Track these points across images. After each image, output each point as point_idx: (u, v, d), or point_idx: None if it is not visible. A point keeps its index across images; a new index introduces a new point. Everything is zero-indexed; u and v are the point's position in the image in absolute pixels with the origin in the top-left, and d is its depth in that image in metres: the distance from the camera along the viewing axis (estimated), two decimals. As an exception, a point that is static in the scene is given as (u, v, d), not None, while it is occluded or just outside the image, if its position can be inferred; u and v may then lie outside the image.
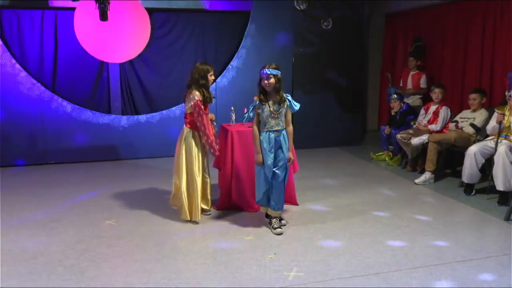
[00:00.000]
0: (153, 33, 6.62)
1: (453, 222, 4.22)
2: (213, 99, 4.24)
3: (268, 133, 3.87)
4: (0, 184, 5.40)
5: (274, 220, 3.99)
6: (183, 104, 6.79)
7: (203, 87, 4.08)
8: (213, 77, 4.21)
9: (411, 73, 7.05)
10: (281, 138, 3.89)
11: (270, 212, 4.01)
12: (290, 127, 3.94)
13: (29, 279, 3.13)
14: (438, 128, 5.75)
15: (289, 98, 3.88)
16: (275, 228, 3.93)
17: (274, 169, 3.89)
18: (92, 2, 5.44)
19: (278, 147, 3.89)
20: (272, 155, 3.87)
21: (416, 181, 5.45)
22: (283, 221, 4.10)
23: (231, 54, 7.05)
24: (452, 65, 6.77)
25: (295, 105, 3.89)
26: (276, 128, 3.86)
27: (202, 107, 3.99)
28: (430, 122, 5.90)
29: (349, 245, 3.69)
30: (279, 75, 3.79)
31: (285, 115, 3.89)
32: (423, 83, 6.92)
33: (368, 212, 4.45)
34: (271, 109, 3.82)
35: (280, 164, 3.89)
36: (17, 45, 6.33)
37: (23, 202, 4.80)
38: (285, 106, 3.86)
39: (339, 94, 7.57)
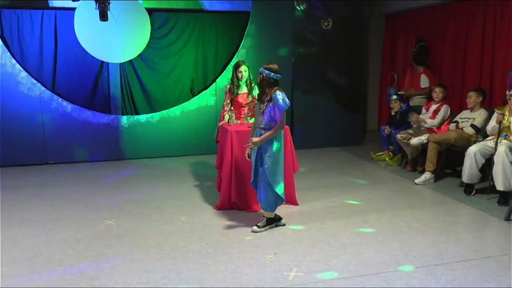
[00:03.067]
0: (153, 33, 6.63)
1: (453, 222, 4.22)
2: (239, 91, 4.85)
3: (256, 130, 3.92)
4: (0, 184, 5.40)
5: (262, 218, 4.02)
6: (183, 104, 6.87)
7: (231, 81, 4.86)
8: (241, 73, 4.78)
9: (415, 71, 7.00)
10: None
11: (263, 211, 4.03)
12: (277, 124, 3.78)
13: (29, 279, 3.13)
14: (435, 123, 5.73)
15: (278, 96, 3.73)
16: (256, 226, 3.96)
17: (260, 168, 3.90)
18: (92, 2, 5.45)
19: (261, 145, 3.85)
20: (255, 152, 3.89)
21: (416, 181, 5.44)
22: (282, 221, 4.10)
23: (231, 54, 7.05)
24: (452, 65, 6.76)
25: (280, 102, 3.71)
26: (262, 126, 3.85)
27: (227, 96, 4.86)
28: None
29: (349, 245, 3.68)
30: (264, 73, 3.78)
31: (273, 113, 3.79)
32: (422, 82, 6.83)
33: (368, 212, 4.45)
34: (259, 107, 3.88)
35: (263, 163, 3.85)
36: (17, 45, 6.32)
37: (23, 202, 4.80)
38: (271, 104, 3.79)
39: (339, 94, 7.56)
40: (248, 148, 3.93)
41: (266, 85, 3.82)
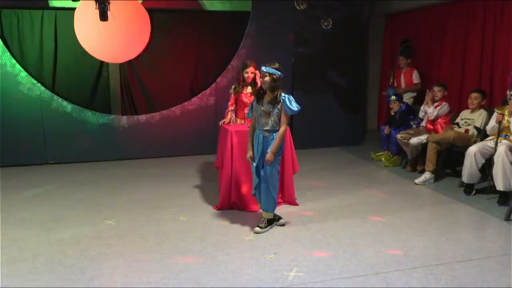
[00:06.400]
0: (153, 33, 6.62)
1: (453, 222, 4.22)
2: (244, 90, 4.79)
3: (258, 132, 3.86)
4: (0, 184, 5.40)
5: (262, 219, 4.01)
6: (183, 103, 6.87)
7: (237, 80, 4.82)
8: (247, 74, 4.68)
9: (403, 71, 7.10)
10: (269, 139, 3.80)
11: (262, 211, 4.03)
12: (282, 129, 3.78)
13: (29, 279, 3.13)
14: (431, 111, 5.74)
15: (287, 99, 3.74)
16: (258, 227, 3.95)
17: (261, 170, 3.87)
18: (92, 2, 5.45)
19: (265, 147, 3.82)
20: (258, 154, 3.85)
21: (416, 181, 5.44)
22: (282, 220, 4.11)
23: (231, 54, 7.05)
24: (452, 65, 6.77)
25: (292, 106, 3.74)
26: (266, 128, 3.80)
27: (232, 96, 4.81)
28: (428, 119, 5.91)
29: (349, 245, 3.69)
30: (276, 75, 3.72)
31: (280, 116, 3.79)
32: (415, 78, 6.96)
33: (368, 212, 4.45)
34: (263, 108, 3.80)
35: (264, 165, 3.83)
36: (17, 45, 6.33)
37: (23, 202, 4.80)
38: (279, 107, 3.77)
39: (339, 94, 7.57)
40: (249, 151, 3.92)
41: (278, 86, 3.77)
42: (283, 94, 3.77)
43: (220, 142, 4.74)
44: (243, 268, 3.29)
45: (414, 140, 5.73)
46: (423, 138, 5.67)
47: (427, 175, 5.45)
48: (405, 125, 6.38)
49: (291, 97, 3.79)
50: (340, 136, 7.64)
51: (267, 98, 3.81)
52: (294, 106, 3.76)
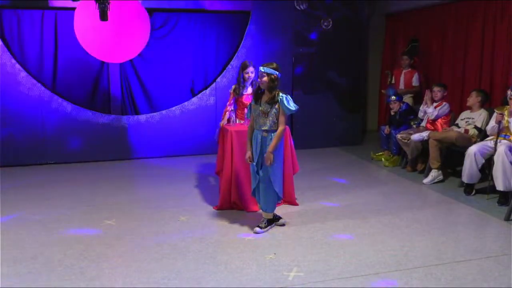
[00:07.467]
0: (153, 33, 6.62)
1: (453, 222, 4.22)
2: (244, 91, 4.81)
3: (257, 132, 3.86)
4: (0, 184, 5.40)
5: (262, 219, 4.00)
6: (183, 103, 6.88)
7: (237, 81, 4.83)
8: (248, 74, 4.73)
9: (404, 71, 7.08)
10: (268, 139, 3.79)
11: (262, 211, 4.02)
12: (280, 129, 3.78)
13: (29, 279, 3.13)
14: (431, 111, 5.73)
15: (284, 99, 3.74)
16: (258, 227, 3.95)
17: (260, 170, 3.87)
18: (92, 2, 5.45)
19: (264, 148, 3.82)
20: (257, 153, 3.84)
21: (424, 181, 5.39)
22: (281, 220, 4.10)
23: (231, 54, 7.05)
24: (452, 65, 6.77)
25: (290, 106, 3.74)
26: (264, 128, 3.79)
27: (231, 96, 4.80)
28: (428, 120, 5.91)
29: (349, 245, 3.69)
30: (274, 75, 3.72)
31: (278, 116, 3.79)
32: (415, 81, 6.96)
33: (368, 212, 4.45)
34: (261, 108, 3.79)
35: (263, 165, 3.83)
36: (17, 45, 6.33)
37: (23, 202, 4.80)
38: (277, 107, 3.76)
39: (339, 94, 7.57)
40: (248, 152, 3.91)
41: (276, 86, 3.77)
42: (281, 94, 3.77)
43: (220, 143, 4.73)
44: (243, 268, 3.29)
45: (415, 136, 5.69)
46: (424, 134, 5.64)
47: (433, 173, 5.40)
48: (405, 125, 6.38)
49: (289, 96, 3.79)
50: (340, 136, 7.64)
51: (265, 98, 3.81)
52: (292, 106, 3.76)
